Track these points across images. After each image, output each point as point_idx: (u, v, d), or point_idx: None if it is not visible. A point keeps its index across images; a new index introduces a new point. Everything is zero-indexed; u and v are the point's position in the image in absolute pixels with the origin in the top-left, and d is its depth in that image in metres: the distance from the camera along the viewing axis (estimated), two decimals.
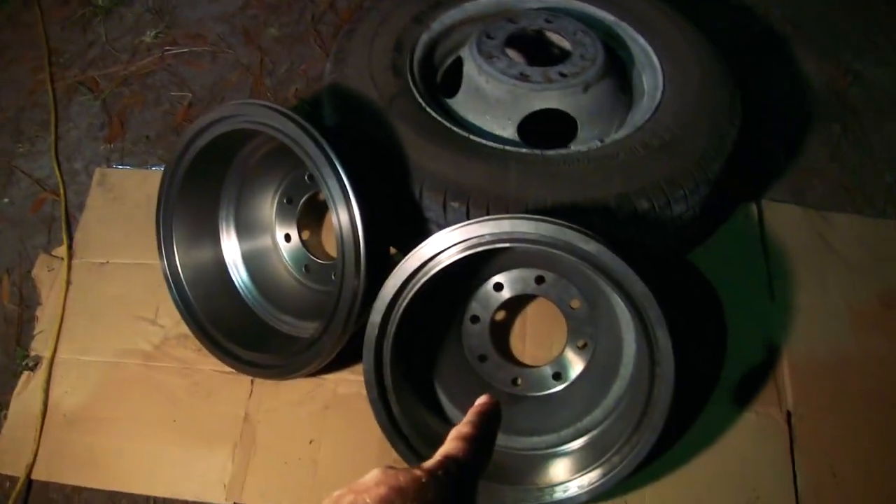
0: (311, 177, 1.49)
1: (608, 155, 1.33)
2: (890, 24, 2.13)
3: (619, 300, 1.15)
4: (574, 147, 1.39)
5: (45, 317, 1.63)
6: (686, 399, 1.35)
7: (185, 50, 2.14)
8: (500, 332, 1.50)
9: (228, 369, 1.47)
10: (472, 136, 1.37)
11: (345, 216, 1.20)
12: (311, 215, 1.62)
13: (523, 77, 1.44)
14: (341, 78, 1.48)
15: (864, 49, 2.06)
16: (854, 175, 1.79)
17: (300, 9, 2.22)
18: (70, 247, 1.72)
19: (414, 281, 1.20)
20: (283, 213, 1.58)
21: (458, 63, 1.57)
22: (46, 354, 1.56)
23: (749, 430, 1.40)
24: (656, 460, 1.34)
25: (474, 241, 1.16)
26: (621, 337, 1.33)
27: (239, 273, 1.57)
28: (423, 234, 1.30)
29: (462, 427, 0.65)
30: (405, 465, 0.60)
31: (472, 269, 1.37)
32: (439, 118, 1.40)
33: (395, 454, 1.28)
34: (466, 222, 1.16)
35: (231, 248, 1.57)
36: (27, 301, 1.68)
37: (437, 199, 1.30)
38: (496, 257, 1.35)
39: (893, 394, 1.44)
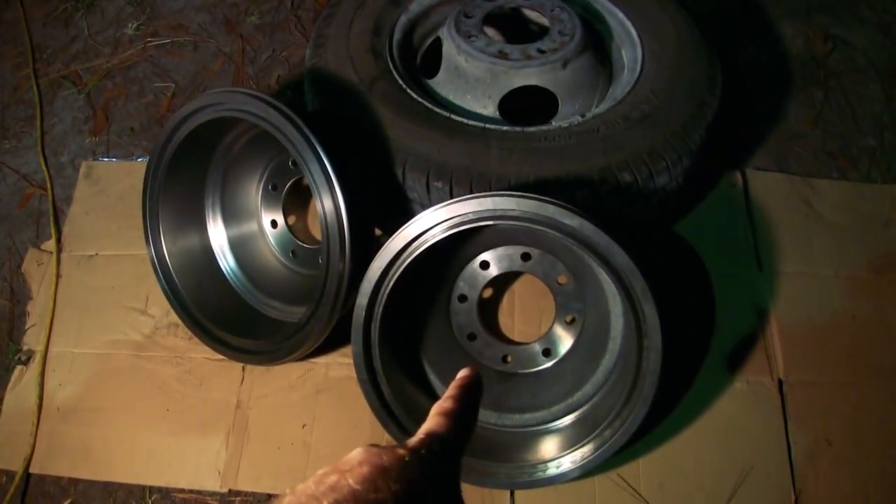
0: (294, 162, 1.49)
1: (589, 129, 1.33)
2: None
3: (605, 274, 1.16)
4: (555, 123, 1.39)
5: (37, 311, 1.63)
6: (677, 371, 1.36)
7: (167, 41, 2.13)
8: (489, 310, 1.50)
9: (219, 357, 1.48)
10: (453, 116, 1.36)
11: (328, 200, 1.20)
12: (296, 200, 1.62)
13: (502, 55, 1.43)
14: (321, 63, 1.47)
15: (841, 13, 2.04)
16: (837, 140, 1.79)
17: None
18: (59, 240, 1.72)
19: (399, 261, 1.20)
20: (269, 199, 1.58)
21: (438, 44, 1.57)
22: (39, 348, 1.57)
23: (741, 399, 1.40)
24: (648, 433, 1.36)
25: (458, 219, 1.16)
26: (609, 311, 1.33)
27: (226, 260, 1.57)
28: (406, 214, 1.30)
29: (444, 402, 0.65)
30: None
31: (458, 247, 1.37)
32: (420, 99, 1.40)
33: (387, 435, 1.28)
34: (450, 201, 1.16)
35: (218, 235, 1.57)
36: (18, 296, 1.69)
37: (420, 179, 1.29)
38: (481, 235, 1.36)
39: (884, 359, 1.45)
